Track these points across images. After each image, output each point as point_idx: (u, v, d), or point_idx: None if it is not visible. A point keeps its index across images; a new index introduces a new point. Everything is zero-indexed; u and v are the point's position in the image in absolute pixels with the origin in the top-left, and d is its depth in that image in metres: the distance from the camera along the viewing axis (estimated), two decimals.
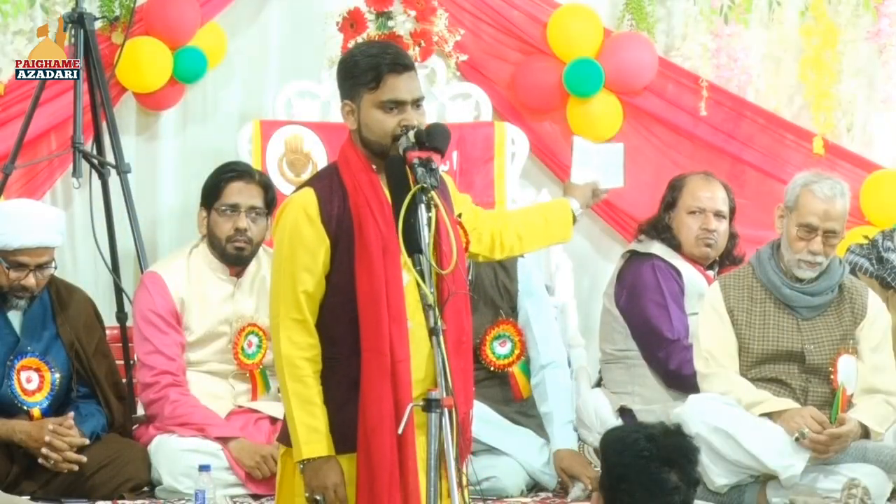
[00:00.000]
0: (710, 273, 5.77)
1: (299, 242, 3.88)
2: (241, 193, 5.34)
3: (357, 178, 3.93)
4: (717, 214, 5.73)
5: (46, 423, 4.97)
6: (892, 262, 5.81)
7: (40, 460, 4.96)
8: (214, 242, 5.35)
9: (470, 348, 3.98)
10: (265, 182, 5.45)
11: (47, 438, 4.93)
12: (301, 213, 3.90)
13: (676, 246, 5.74)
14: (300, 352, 3.87)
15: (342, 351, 3.87)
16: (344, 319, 3.87)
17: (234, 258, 5.34)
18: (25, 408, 5.05)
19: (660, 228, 5.76)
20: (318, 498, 3.87)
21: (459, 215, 4.01)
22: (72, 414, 5.03)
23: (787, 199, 5.22)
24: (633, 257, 5.79)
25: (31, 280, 5.04)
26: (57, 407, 5.11)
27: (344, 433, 3.86)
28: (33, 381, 5.08)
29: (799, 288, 5.22)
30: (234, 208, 5.32)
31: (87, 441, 5.00)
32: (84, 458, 4.98)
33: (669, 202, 5.79)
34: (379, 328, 3.82)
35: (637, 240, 5.83)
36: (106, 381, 5.23)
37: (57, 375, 5.11)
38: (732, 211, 5.81)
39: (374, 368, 3.82)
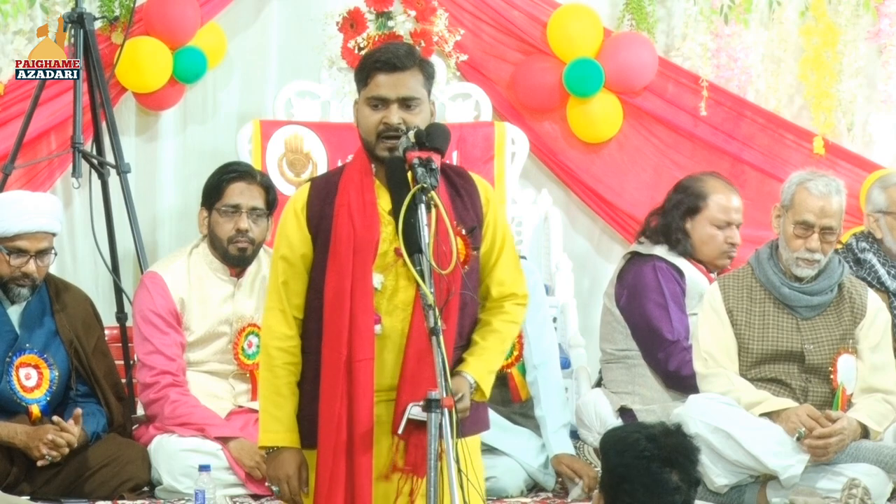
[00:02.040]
0: (713, 275, 5.75)
1: (283, 234, 3.98)
2: (242, 194, 5.33)
3: (351, 178, 3.98)
4: (738, 226, 5.70)
5: (42, 430, 4.96)
6: (869, 261, 5.81)
7: (39, 463, 4.95)
8: (216, 243, 5.35)
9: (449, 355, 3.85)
10: (266, 183, 5.45)
11: (50, 436, 4.93)
12: (291, 206, 4.00)
13: (689, 252, 5.67)
14: (274, 341, 3.95)
15: (313, 346, 3.93)
16: (316, 315, 3.93)
17: (236, 259, 5.34)
18: (24, 404, 5.05)
19: (674, 236, 5.64)
20: (274, 488, 3.97)
21: (472, 229, 3.96)
22: (80, 411, 5.02)
23: (784, 198, 5.23)
24: (634, 257, 5.77)
25: (31, 266, 5.04)
26: (56, 405, 5.10)
27: (310, 428, 3.92)
28: (32, 378, 5.08)
29: (798, 287, 5.22)
30: (236, 209, 5.32)
31: (75, 443, 4.99)
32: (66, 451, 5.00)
33: (690, 209, 5.65)
34: (339, 327, 3.87)
35: (638, 242, 5.79)
36: (105, 380, 5.22)
37: (56, 373, 5.10)
38: None
39: (330, 366, 3.88)
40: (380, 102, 3.90)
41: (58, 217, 5.17)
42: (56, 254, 5.18)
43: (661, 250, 5.69)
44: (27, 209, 5.06)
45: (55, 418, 5.00)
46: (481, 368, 3.94)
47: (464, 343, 3.98)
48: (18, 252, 5.03)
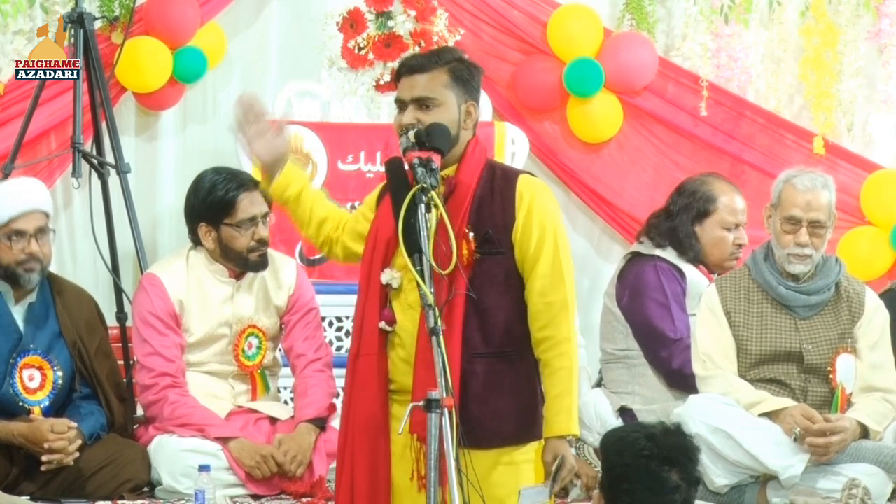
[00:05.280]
0: (714, 276, 5.76)
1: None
2: (253, 205, 5.29)
3: None
4: (744, 226, 5.73)
5: (43, 423, 4.96)
6: None
7: (43, 467, 4.95)
8: (230, 255, 5.29)
9: (455, 359, 3.91)
10: (260, 184, 5.44)
11: (46, 447, 4.92)
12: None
13: (698, 256, 5.68)
14: None
15: None
16: None
17: (257, 265, 5.31)
18: (27, 406, 5.04)
19: (685, 242, 5.65)
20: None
21: (486, 233, 3.97)
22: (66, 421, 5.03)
23: (772, 198, 5.25)
24: (635, 257, 5.78)
25: (34, 246, 5.02)
26: (58, 406, 5.10)
27: None
28: (35, 380, 5.08)
29: (795, 287, 5.22)
30: (253, 221, 5.29)
31: (76, 443, 4.99)
32: (72, 454, 4.98)
33: (700, 213, 5.66)
34: (356, 322, 4.03)
35: (639, 242, 5.79)
36: (108, 381, 5.22)
37: (59, 374, 5.10)
38: None
39: (349, 361, 4.05)
40: (401, 104, 4.01)
41: (44, 195, 5.16)
42: (54, 231, 5.17)
43: (663, 252, 5.70)
44: (11, 192, 5.08)
45: (50, 422, 4.98)
46: (565, 418, 3.98)
47: (493, 351, 3.97)
48: (17, 235, 5.02)
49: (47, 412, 5.06)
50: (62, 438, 4.94)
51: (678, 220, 5.68)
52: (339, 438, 4.06)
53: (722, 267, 5.69)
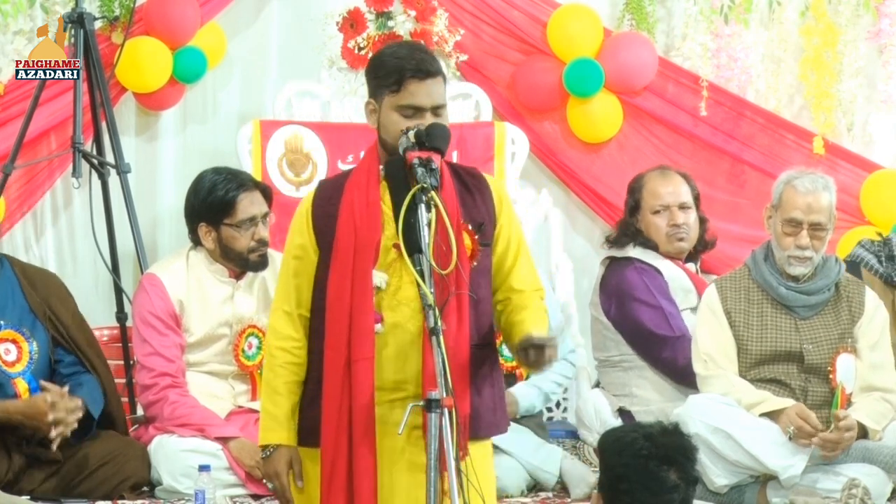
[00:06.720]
0: (690, 266, 5.77)
1: (292, 235, 4.04)
2: (253, 205, 5.31)
3: (357, 179, 3.99)
4: (682, 207, 5.73)
5: (39, 397, 4.92)
6: None
7: (53, 445, 4.92)
8: (230, 255, 5.31)
9: (464, 352, 3.93)
10: (260, 185, 5.46)
11: (50, 418, 4.90)
12: (300, 207, 4.04)
13: (653, 247, 5.72)
14: (277, 341, 4.02)
15: (317, 346, 3.97)
16: (321, 315, 3.97)
17: (257, 265, 5.33)
18: (9, 378, 5.02)
19: (631, 234, 5.74)
20: (269, 485, 4.08)
21: (481, 225, 3.98)
22: (66, 389, 5.00)
23: (773, 199, 5.26)
24: (612, 263, 5.78)
25: None
26: (45, 379, 5.07)
27: (312, 427, 3.96)
28: (12, 353, 5.07)
29: (795, 287, 5.23)
30: (252, 220, 5.30)
31: (77, 413, 4.96)
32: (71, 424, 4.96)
33: (633, 206, 5.77)
34: (340, 327, 3.90)
35: (609, 246, 5.82)
36: (90, 348, 5.20)
37: (34, 345, 5.09)
38: (697, 198, 5.81)
39: (331, 366, 3.91)
40: (414, 111, 3.90)
41: None
42: None
43: (633, 251, 5.72)
44: None
45: (47, 389, 4.95)
46: (541, 326, 3.99)
47: (482, 342, 3.97)
48: None
49: (31, 382, 5.05)
50: (61, 409, 4.91)
51: (626, 217, 5.80)
52: (328, 442, 3.91)
53: (669, 251, 5.72)
